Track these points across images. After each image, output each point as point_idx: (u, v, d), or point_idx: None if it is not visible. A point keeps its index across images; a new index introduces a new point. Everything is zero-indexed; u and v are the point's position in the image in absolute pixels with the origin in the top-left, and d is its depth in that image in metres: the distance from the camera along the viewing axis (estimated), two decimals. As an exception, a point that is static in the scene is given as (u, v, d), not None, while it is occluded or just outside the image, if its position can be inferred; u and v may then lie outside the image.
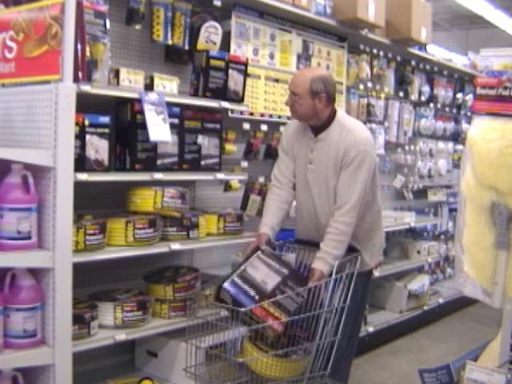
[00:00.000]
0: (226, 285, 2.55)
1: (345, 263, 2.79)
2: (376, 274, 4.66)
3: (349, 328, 3.00)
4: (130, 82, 2.91)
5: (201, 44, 3.34)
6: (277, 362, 2.50)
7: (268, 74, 3.98)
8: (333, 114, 2.99)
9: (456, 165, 6.04)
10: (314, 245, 2.96)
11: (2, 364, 2.34)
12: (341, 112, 3.08)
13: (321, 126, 2.99)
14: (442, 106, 5.98)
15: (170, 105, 3.01)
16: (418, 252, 5.50)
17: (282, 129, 3.93)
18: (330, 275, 2.73)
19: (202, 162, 3.29)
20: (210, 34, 3.36)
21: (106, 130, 2.76)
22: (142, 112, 2.86)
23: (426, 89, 5.66)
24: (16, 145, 2.52)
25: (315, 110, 2.91)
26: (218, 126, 3.38)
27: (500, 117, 2.08)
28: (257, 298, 2.53)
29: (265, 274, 2.63)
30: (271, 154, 3.90)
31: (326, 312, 2.63)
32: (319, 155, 2.99)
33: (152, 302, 3.08)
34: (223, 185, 3.78)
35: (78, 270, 2.53)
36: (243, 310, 2.46)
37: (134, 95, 2.87)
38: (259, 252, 2.76)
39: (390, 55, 5.10)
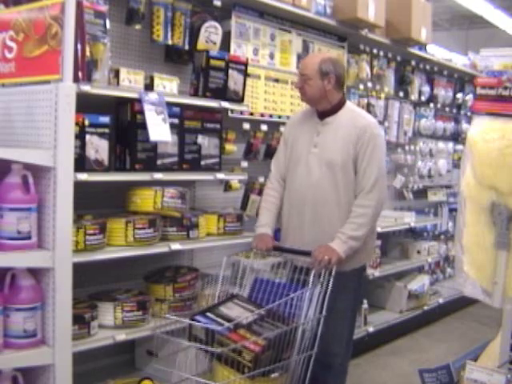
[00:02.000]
0: (197, 317, 2.42)
1: (320, 272, 2.71)
2: (376, 273, 4.68)
3: (347, 331, 3.00)
4: (130, 82, 2.91)
5: (201, 44, 3.34)
6: (254, 382, 2.31)
7: (268, 73, 3.98)
8: (343, 101, 3.03)
9: (456, 165, 6.04)
10: (298, 252, 2.89)
11: (2, 364, 2.34)
12: (350, 102, 3.15)
13: (329, 110, 3.00)
14: (442, 106, 5.97)
15: (170, 105, 3.01)
16: (418, 252, 5.49)
17: (282, 129, 3.93)
18: (310, 285, 2.62)
19: (202, 162, 3.29)
20: (210, 33, 3.36)
21: (106, 130, 2.77)
22: (142, 112, 2.86)
23: (426, 89, 5.66)
24: (16, 145, 2.52)
25: (324, 92, 2.94)
26: (217, 125, 3.39)
27: (500, 117, 2.09)
28: (231, 327, 2.38)
29: (239, 313, 2.50)
30: (271, 154, 3.88)
31: (302, 325, 2.53)
32: (326, 138, 2.98)
33: (152, 302, 3.08)
34: (223, 185, 3.78)
35: (78, 269, 2.53)
36: (218, 350, 2.28)
37: (134, 95, 2.87)
38: (234, 298, 2.64)
39: (390, 55, 5.10)
